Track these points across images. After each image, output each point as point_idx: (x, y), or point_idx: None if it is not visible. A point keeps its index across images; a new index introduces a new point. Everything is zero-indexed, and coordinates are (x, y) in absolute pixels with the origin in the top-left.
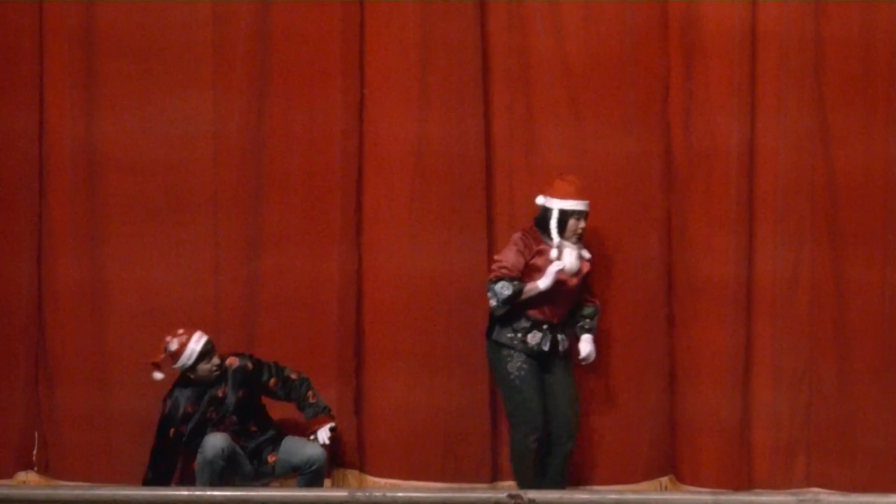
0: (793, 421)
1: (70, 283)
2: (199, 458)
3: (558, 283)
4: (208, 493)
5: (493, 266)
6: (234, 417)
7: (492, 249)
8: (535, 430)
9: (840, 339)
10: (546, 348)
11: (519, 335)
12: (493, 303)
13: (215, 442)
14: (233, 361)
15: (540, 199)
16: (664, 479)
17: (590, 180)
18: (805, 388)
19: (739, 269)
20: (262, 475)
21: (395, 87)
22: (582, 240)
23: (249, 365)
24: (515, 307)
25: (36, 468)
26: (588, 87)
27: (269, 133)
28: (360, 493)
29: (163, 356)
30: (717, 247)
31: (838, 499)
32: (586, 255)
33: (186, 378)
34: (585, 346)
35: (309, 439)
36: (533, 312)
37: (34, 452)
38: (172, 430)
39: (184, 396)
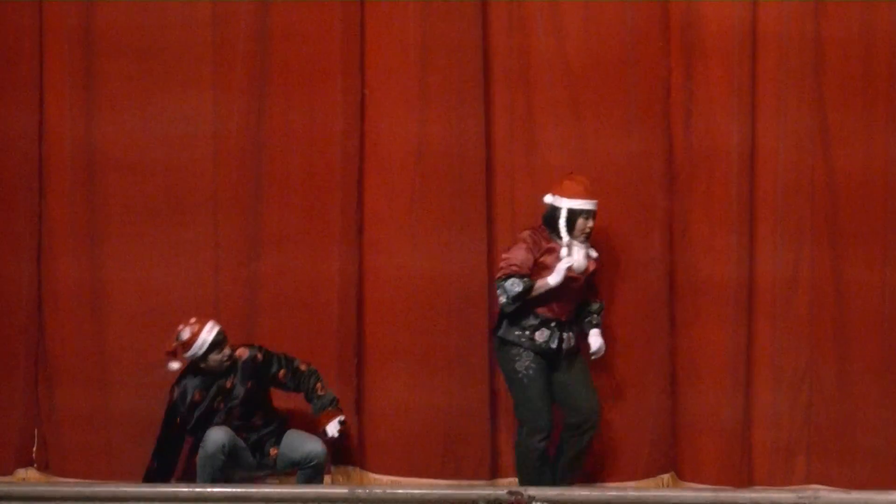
0: (793, 420)
1: (70, 282)
2: (200, 452)
3: (566, 281)
4: (208, 489)
5: (502, 264)
6: (241, 409)
7: (492, 249)
8: (541, 429)
9: (840, 339)
10: (554, 346)
11: (527, 333)
12: (503, 300)
13: (216, 437)
14: (243, 353)
15: (548, 198)
16: (666, 477)
17: (590, 180)
18: (805, 388)
19: (740, 269)
20: (263, 467)
21: (395, 87)
22: (589, 239)
23: (259, 356)
24: (524, 305)
25: (36, 466)
26: (588, 88)
27: (269, 133)
28: (360, 491)
29: (174, 344)
30: (717, 247)
31: (838, 496)
32: (593, 254)
33: (196, 367)
34: (596, 340)
35: (319, 433)
36: (541, 310)
37: (34, 450)
38: (178, 418)
39: (192, 385)
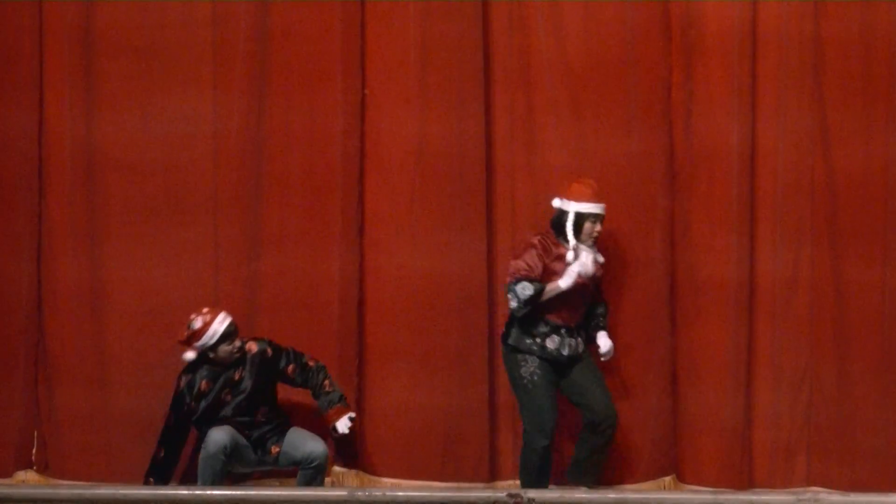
0: (793, 420)
1: (70, 282)
2: (202, 453)
3: (575, 286)
4: (207, 492)
5: (511, 269)
6: (247, 402)
7: (492, 249)
8: (545, 433)
9: (840, 339)
10: (565, 353)
11: (538, 340)
12: (513, 304)
13: (218, 438)
14: (252, 346)
15: (556, 202)
16: (667, 479)
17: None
18: (805, 388)
19: (740, 268)
20: (264, 464)
21: (395, 86)
22: (597, 243)
23: (269, 351)
24: (534, 312)
25: (35, 467)
26: (589, 87)
27: (269, 133)
28: (359, 493)
29: (186, 333)
30: (717, 247)
31: (838, 498)
32: (600, 258)
33: (205, 357)
34: (605, 341)
35: (328, 429)
36: (551, 317)
37: (33, 452)
38: (185, 407)
39: (200, 375)
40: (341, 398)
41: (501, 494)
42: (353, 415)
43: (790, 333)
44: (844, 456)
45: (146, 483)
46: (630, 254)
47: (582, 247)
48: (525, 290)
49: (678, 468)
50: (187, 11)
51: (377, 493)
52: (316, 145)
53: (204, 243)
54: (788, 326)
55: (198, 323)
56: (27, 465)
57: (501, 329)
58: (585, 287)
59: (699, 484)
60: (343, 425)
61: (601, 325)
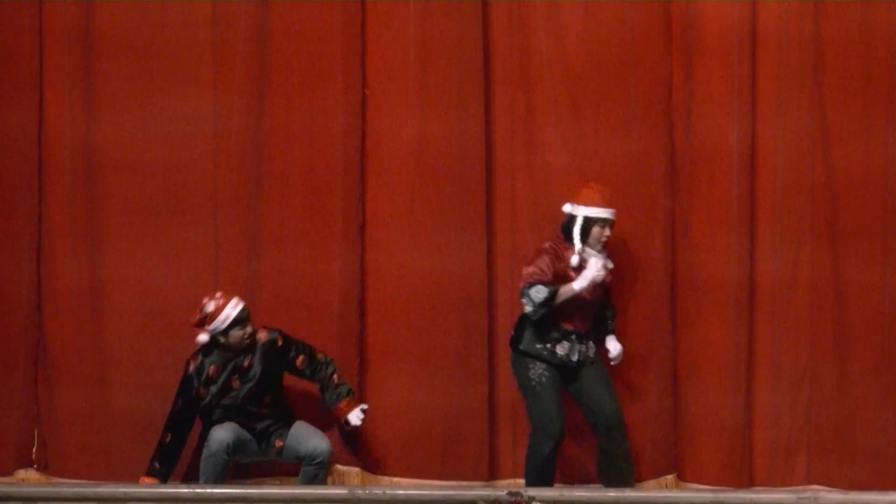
0: (793, 420)
1: (69, 282)
2: (204, 451)
3: (585, 291)
4: (208, 490)
5: (524, 274)
6: (254, 390)
7: (492, 249)
8: (552, 436)
9: (840, 339)
10: (575, 359)
11: (548, 346)
12: (528, 308)
13: (220, 437)
14: (263, 335)
15: (567, 207)
16: (668, 478)
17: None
18: (805, 388)
19: (740, 269)
20: (267, 456)
21: (395, 86)
22: (606, 248)
23: (279, 340)
24: (545, 318)
25: (35, 466)
26: (589, 87)
27: (269, 133)
28: (360, 491)
29: (198, 316)
30: (718, 247)
31: (838, 497)
32: (609, 264)
33: (215, 343)
34: (615, 346)
35: (341, 422)
36: (562, 323)
37: (33, 451)
38: (193, 392)
39: (209, 360)
40: (350, 391)
41: (502, 493)
42: (365, 406)
43: (790, 333)
44: (844, 455)
45: (151, 467)
46: (630, 254)
47: (591, 252)
48: (539, 293)
49: (679, 467)
50: (187, 11)
51: (378, 492)
52: (316, 145)
53: (204, 243)
54: (788, 326)
55: (211, 306)
56: (27, 464)
57: (501, 329)
58: (595, 293)
59: (700, 483)
60: (356, 417)
61: (610, 329)
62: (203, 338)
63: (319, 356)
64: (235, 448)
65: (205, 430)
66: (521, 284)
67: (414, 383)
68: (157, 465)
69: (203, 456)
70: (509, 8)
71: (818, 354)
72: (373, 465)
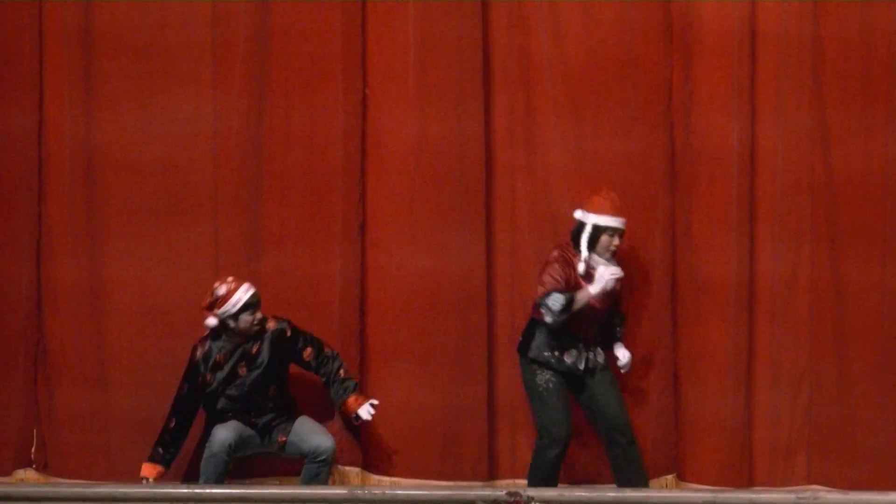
0: (793, 420)
1: (69, 282)
2: (206, 451)
3: (596, 298)
4: (207, 490)
5: (540, 286)
6: (261, 379)
7: (491, 249)
8: (558, 440)
9: (840, 339)
10: (582, 367)
11: (556, 353)
12: (549, 318)
13: (223, 437)
14: (272, 323)
15: (577, 214)
16: (668, 478)
17: (590, 180)
18: (805, 387)
19: (741, 268)
20: (270, 449)
21: (395, 86)
22: (616, 256)
23: (288, 331)
24: (551, 330)
25: (34, 466)
26: (588, 87)
27: (269, 133)
28: (360, 491)
29: (209, 299)
30: (718, 247)
31: (837, 497)
32: (619, 273)
33: (224, 327)
34: (624, 353)
35: (350, 417)
36: (571, 330)
37: (33, 450)
38: (200, 377)
39: (217, 346)
40: (356, 386)
41: (501, 493)
42: (375, 402)
43: (790, 333)
44: (844, 455)
45: (154, 453)
46: (630, 254)
47: (598, 260)
48: (556, 301)
49: (679, 467)
50: (187, 11)
51: (377, 492)
52: (316, 145)
53: (204, 243)
54: (788, 326)
55: (222, 289)
56: (26, 464)
57: (501, 328)
58: (604, 301)
59: (700, 483)
60: (366, 412)
61: (618, 336)
62: (211, 322)
63: (326, 350)
64: (237, 447)
65: (207, 422)
66: (538, 295)
67: (413, 383)
68: (160, 450)
69: (205, 456)
70: (509, 8)
71: (818, 354)
72: (372, 464)
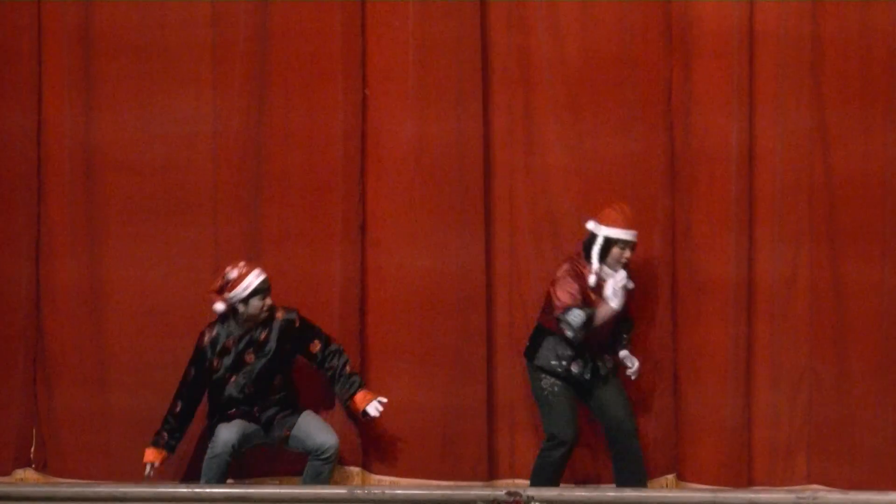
0: (793, 420)
1: (68, 282)
2: (209, 451)
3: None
4: (207, 489)
5: (558, 303)
6: (267, 366)
7: (490, 249)
8: (564, 442)
9: (840, 339)
10: (588, 376)
11: (563, 363)
12: (569, 333)
13: (226, 438)
14: (281, 313)
15: (590, 225)
16: (667, 478)
17: (589, 180)
18: (805, 387)
19: (740, 268)
20: (273, 441)
21: (394, 86)
22: (627, 268)
23: (297, 322)
24: (560, 337)
25: (34, 466)
26: (587, 87)
27: (269, 133)
28: (359, 491)
29: (219, 283)
30: (718, 247)
31: (837, 497)
32: (630, 284)
33: (232, 312)
34: (632, 359)
35: (360, 414)
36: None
37: (32, 450)
38: (207, 362)
39: (225, 331)
40: (362, 383)
41: (501, 492)
42: (384, 399)
43: (790, 332)
44: (844, 455)
45: (158, 438)
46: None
47: (608, 272)
48: (576, 317)
49: (679, 467)
50: (187, 11)
51: (377, 492)
52: (316, 145)
53: (204, 243)
54: (788, 326)
55: (233, 273)
56: (26, 464)
57: (500, 328)
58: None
59: (699, 483)
60: (374, 408)
61: (625, 343)
62: (220, 306)
63: (333, 345)
64: (241, 445)
65: (210, 415)
66: (556, 311)
67: (413, 383)
68: (165, 435)
69: (207, 456)
70: (508, 8)
71: (818, 354)
72: (372, 464)
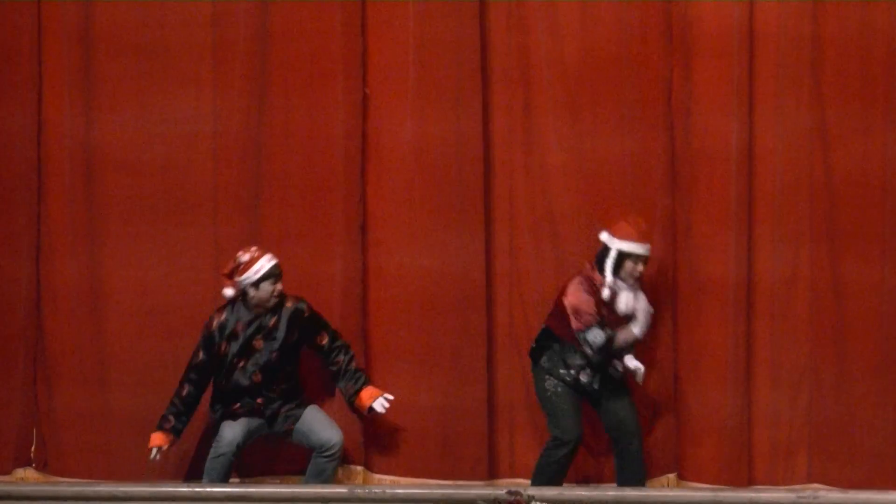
0: (793, 419)
1: (69, 282)
2: (212, 450)
3: (611, 322)
4: (207, 488)
5: (578, 321)
6: (276, 354)
7: (490, 249)
8: (567, 442)
9: (839, 339)
10: (596, 387)
11: (572, 372)
12: (589, 352)
13: (230, 437)
14: (291, 302)
15: (603, 237)
16: (668, 477)
17: (589, 180)
18: (805, 387)
19: (740, 268)
20: (276, 433)
21: (394, 86)
22: (640, 282)
23: (307, 311)
24: (571, 344)
25: (34, 465)
26: (587, 87)
27: (269, 133)
28: (359, 490)
29: (231, 266)
30: (718, 246)
31: (837, 496)
32: (642, 298)
33: (243, 297)
34: (637, 364)
35: (365, 410)
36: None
37: (32, 450)
38: (215, 346)
39: (234, 316)
40: (368, 380)
41: (501, 492)
42: (390, 396)
43: (790, 332)
44: (844, 454)
45: (164, 422)
46: None
47: (622, 285)
48: (597, 337)
49: (679, 467)
50: (187, 11)
51: (377, 491)
52: (316, 145)
53: (204, 243)
54: (788, 325)
55: (245, 257)
56: (26, 463)
57: (500, 328)
58: (621, 321)
59: (700, 482)
60: (380, 405)
61: (630, 349)
62: (229, 291)
63: (340, 340)
64: (245, 442)
65: (213, 406)
66: (576, 328)
67: (414, 383)
68: (171, 419)
69: (211, 455)
70: (507, 8)
71: (818, 354)
72: (372, 463)
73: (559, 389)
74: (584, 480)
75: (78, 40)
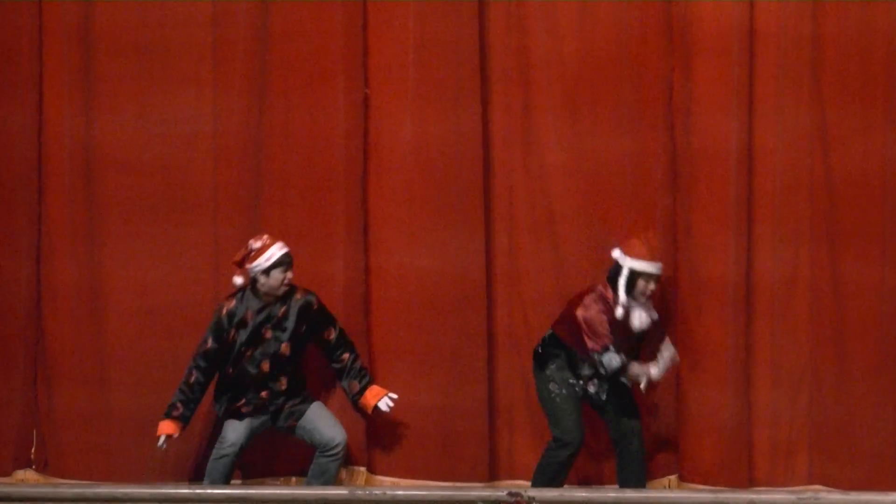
0: (793, 420)
1: (69, 282)
2: (215, 451)
3: (622, 339)
4: (207, 490)
5: (594, 342)
6: (282, 347)
7: (490, 248)
8: (569, 444)
9: (839, 339)
10: (604, 397)
11: (580, 383)
12: (602, 371)
13: (234, 439)
14: (300, 294)
15: (615, 254)
16: (669, 479)
17: (589, 179)
18: (805, 387)
19: (740, 268)
20: (280, 430)
21: (394, 86)
22: (651, 300)
23: (316, 304)
24: (579, 355)
25: (34, 466)
26: (586, 87)
27: (269, 133)
28: (360, 492)
29: (242, 253)
30: (718, 246)
31: (838, 497)
32: (654, 315)
33: (252, 285)
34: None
35: (369, 409)
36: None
37: (32, 451)
38: (224, 333)
39: (244, 305)
40: (371, 379)
41: (502, 493)
42: (394, 396)
43: (790, 332)
44: (844, 455)
45: (172, 409)
46: None
47: (635, 304)
48: (613, 361)
49: (679, 467)
50: (187, 11)
51: (377, 492)
52: (316, 145)
53: (204, 243)
54: (788, 325)
55: (257, 244)
56: (26, 464)
57: (500, 328)
58: (631, 339)
59: (700, 483)
60: (385, 404)
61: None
62: (239, 280)
63: (346, 337)
64: (248, 443)
65: (217, 398)
66: (592, 349)
67: (414, 382)
68: (179, 406)
69: (213, 456)
70: (507, 8)
71: (818, 354)
72: (373, 464)
73: (562, 392)
74: (585, 481)
75: (78, 40)
